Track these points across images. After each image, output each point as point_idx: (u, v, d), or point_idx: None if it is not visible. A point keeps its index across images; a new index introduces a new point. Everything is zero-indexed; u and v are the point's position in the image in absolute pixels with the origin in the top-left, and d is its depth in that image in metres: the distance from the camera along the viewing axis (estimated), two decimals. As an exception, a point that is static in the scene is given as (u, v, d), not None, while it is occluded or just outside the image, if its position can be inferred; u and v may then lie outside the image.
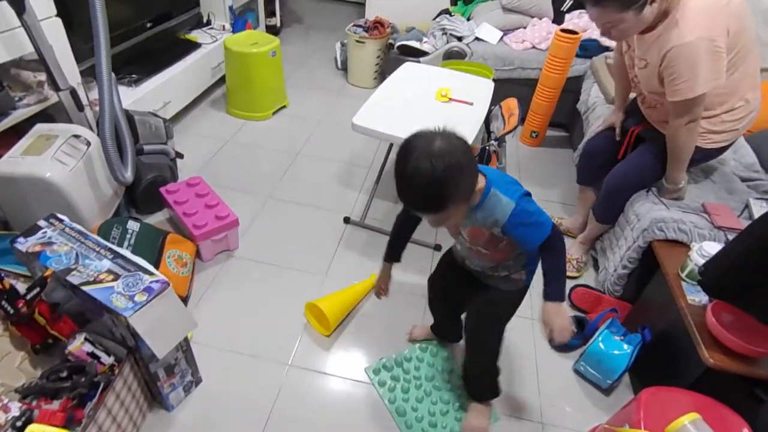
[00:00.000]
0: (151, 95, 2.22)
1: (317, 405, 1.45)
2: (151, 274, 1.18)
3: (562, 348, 1.68)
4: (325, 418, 1.42)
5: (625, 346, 1.51)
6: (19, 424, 1.02)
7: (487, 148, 1.91)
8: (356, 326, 1.71)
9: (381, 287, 1.44)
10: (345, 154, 2.59)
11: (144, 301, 1.12)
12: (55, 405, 1.11)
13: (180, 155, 2.13)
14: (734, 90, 1.53)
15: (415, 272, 1.92)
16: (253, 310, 1.70)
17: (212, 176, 2.13)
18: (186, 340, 1.33)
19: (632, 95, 1.86)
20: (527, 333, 1.74)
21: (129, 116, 1.85)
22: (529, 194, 1.09)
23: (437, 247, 2.04)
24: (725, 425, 1.10)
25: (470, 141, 1.73)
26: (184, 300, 1.65)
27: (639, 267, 1.67)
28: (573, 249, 2.02)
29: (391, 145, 2.23)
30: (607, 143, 1.91)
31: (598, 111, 2.33)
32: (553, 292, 1.12)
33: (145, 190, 1.92)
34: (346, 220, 2.13)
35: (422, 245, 2.05)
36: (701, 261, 1.37)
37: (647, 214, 1.63)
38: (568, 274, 1.95)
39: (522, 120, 2.82)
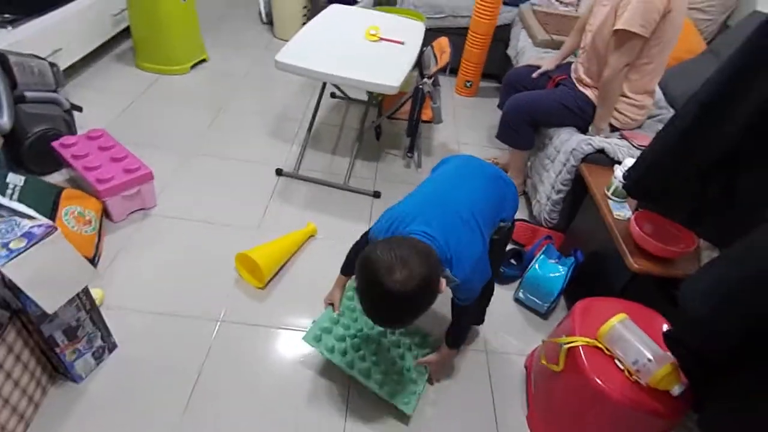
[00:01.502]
0: (35, 40, 1.89)
1: (254, 362, 1.32)
2: (31, 218, 0.98)
3: (503, 280, 1.66)
4: (263, 376, 1.29)
5: (560, 268, 1.52)
6: None
7: (421, 87, 1.82)
8: (293, 277, 1.57)
9: (333, 300, 1.39)
10: (274, 108, 2.39)
11: (22, 248, 0.92)
12: None
13: (77, 108, 1.85)
14: (647, 80, 1.67)
15: (352, 220, 1.82)
16: (176, 269, 1.52)
17: (121, 133, 1.86)
18: (90, 299, 1.14)
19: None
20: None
21: (1, 56, 1.54)
22: (483, 255, 1.10)
23: (376, 194, 1.94)
24: (650, 324, 1.14)
25: (400, 80, 1.65)
26: (91, 261, 1.43)
27: (570, 195, 1.70)
28: None
29: (321, 93, 2.08)
30: (528, 75, 1.97)
31: (528, 54, 2.32)
32: (455, 341, 1.29)
33: (33, 144, 1.63)
34: (279, 171, 1.97)
35: (361, 193, 1.95)
36: (617, 182, 1.45)
37: (571, 137, 1.69)
38: None
39: (455, 71, 2.77)
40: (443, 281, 0.99)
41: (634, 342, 1.06)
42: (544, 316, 1.58)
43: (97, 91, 2.27)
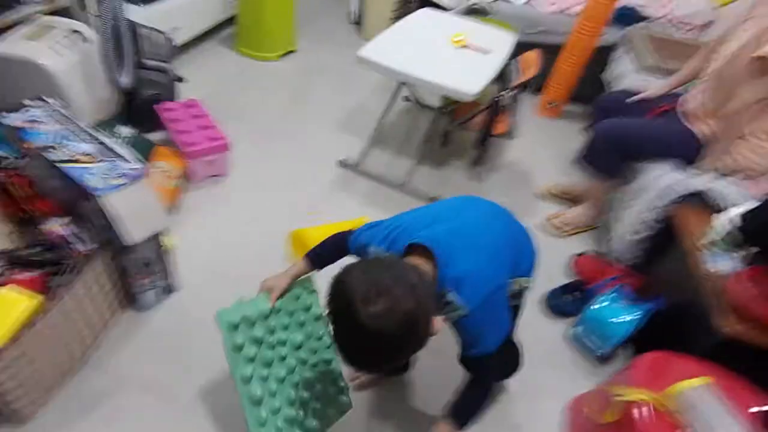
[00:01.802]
0: (160, 17, 2.24)
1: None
2: (129, 162, 1.22)
3: (556, 312, 1.67)
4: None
5: (633, 312, 1.46)
6: (-7, 281, 1.08)
7: (498, 99, 1.89)
8: (336, 264, 1.72)
9: (274, 288, 1.14)
10: (349, 103, 2.60)
11: (118, 185, 1.16)
12: (27, 277, 1.16)
13: (180, 79, 2.16)
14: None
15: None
16: (236, 235, 1.75)
17: (211, 106, 2.16)
18: (162, 243, 1.37)
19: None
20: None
21: (132, 25, 1.88)
22: (502, 287, 0.95)
23: (433, 200, 2.05)
24: (739, 398, 0.99)
25: (479, 89, 1.73)
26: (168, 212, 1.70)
27: (655, 235, 1.62)
28: (575, 209, 2.02)
29: (395, 94, 2.23)
30: (625, 100, 1.88)
31: (628, 79, 2.29)
32: (461, 416, 1.01)
33: (143, 105, 1.95)
34: (342, 163, 2.15)
35: (418, 197, 2.07)
36: (729, 227, 1.31)
37: (666, 174, 1.60)
38: (553, 230, 1.99)
39: (540, 89, 2.80)
40: (438, 320, 0.84)
41: (717, 414, 0.93)
42: (599, 360, 1.54)
43: (198, 68, 2.62)
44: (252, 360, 1.07)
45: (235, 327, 1.07)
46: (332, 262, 1.13)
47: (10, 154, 1.25)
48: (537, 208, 2.14)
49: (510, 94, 1.88)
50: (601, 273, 1.74)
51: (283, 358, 1.14)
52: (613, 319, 1.48)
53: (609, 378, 1.27)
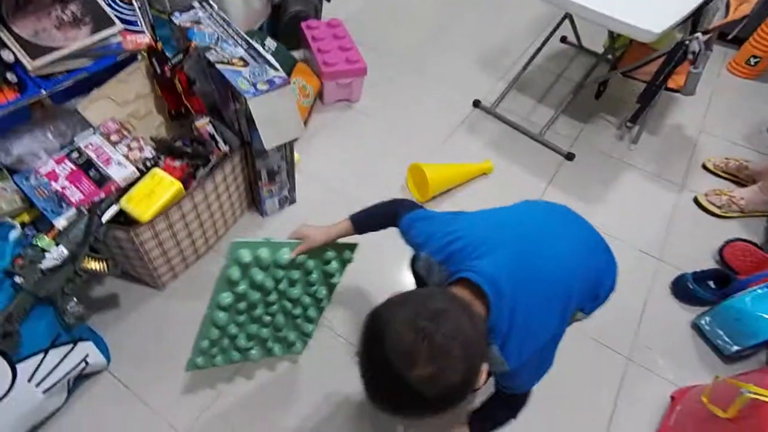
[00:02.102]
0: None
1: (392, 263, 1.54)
2: (276, 70, 1.32)
3: (686, 297, 1.54)
4: (387, 281, 1.52)
5: None
6: (148, 164, 1.29)
7: (688, 44, 1.62)
8: (452, 205, 1.74)
9: (311, 240, 1.09)
10: (494, 38, 2.48)
11: (264, 90, 1.27)
12: (176, 165, 1.37)
13: (327, -2, 2.25)
14: None
15: (532, 174, 1.87)
16: (358, 160, 1.84)
17: (354, 29, 2.22)
18: (292, 154, 1.50)
19: None
20: (647, 268, 1.63)
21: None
22: (556, 336, 0.86)
23: (570, 156, 1.92)
24: None
25: (663, 28, 1.51)
26: (299, 130, 1.84)
27: None
28: (744, 190, 1.80)
29: (553, 32, 2.06)
30: None
31: None
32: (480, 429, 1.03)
33: (289, 21, 2.08)
34: (476, 103, 2.09)
35: (553, 150, 1.95)
36: None
37: None
38: (712, 209, 1.80)
39: (740, 40, 2.36)
40: (484, 371, 0.73)
41: None
42: (726, 359, 1.42)
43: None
44: (238, 297, 1.08)
45: (241, 264, 1.04)
46: (375, 230, 1.09)
47: (173, 52, 1.44)
48: (694, 180, 1.92)
49: (704, 38, 1.59)
50: (756, 266, 1.56)
51: (270, 304, 1.16)
52: (761, 313, 1.32)
53: (737, 374, 1.20)
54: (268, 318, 1.19)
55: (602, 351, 1.42)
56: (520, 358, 0.79)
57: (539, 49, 2.11)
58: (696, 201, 1.82)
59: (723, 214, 1.77)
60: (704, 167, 1.96)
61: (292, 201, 1.67)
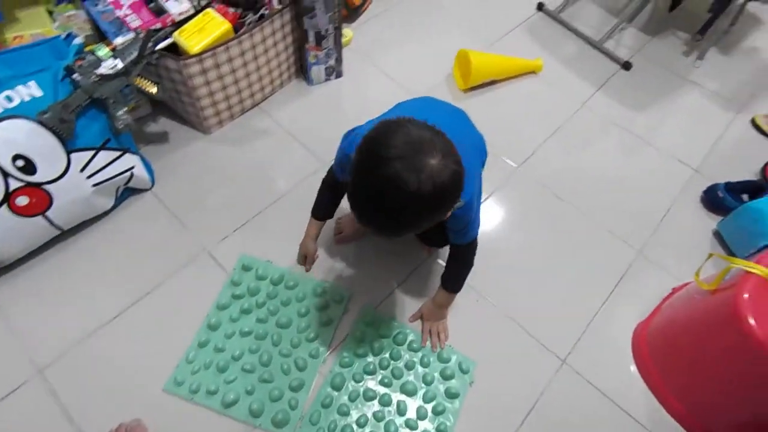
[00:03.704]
0: None
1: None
2: None
3: (715, 207, 1.40)
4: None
5: None
6: (203, 2, 1.28)
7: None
8: (493, 99, 1.63)
9: (308, 251, 1.16)
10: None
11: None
12: (227, 10, 1.34)
13: None
14: None
15: (583, 78, 1.70)
16: (411, 44, 1.75)
17: None
18: (340, 19, 1.43)
19: None
20: (681, 176, 1.49)
21: None
22: (479, 177, 1.00)
23: (626, 66, 1.72)
24: None
25: None
26: (356, 10, 1.76)
27: None
28: None
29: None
30: None
31: None
32: (456, 284, 1.09)
33: None
34: (540, 6, 1.90)
35: (611, 57, 1.76)
36: None
37: None
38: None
39: None
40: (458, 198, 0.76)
41: None
42: None
43: None
44: (237, 298, 1.16)
45: (246, 269, 1.20)
46: (333, 206, 1.12)
47: None
48: (758, 104, 1.70)
49: None
50: None
51: (263, 321, 1.14)
52: None
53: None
54: (257, 347, 1.11)
55: (614, 244, 1.34)
56: (469, 191, 0.84)
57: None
58: (753, 122, 1.62)
59: (776, 135, 1.57)
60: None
61: (339, 74, 1.62)
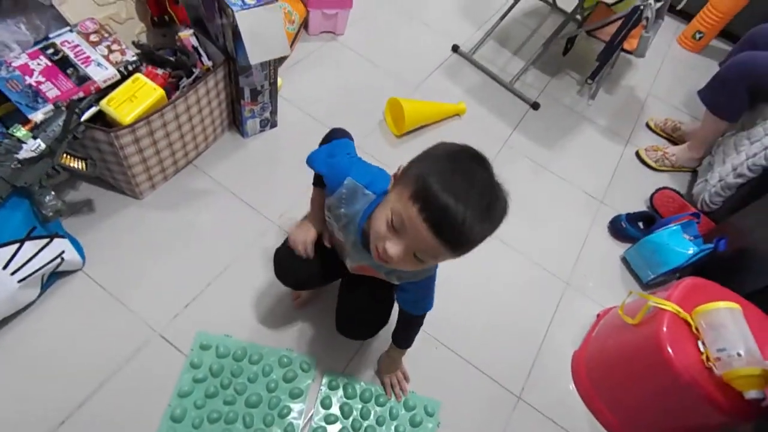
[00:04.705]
0: None
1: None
2: (264, -14, 1.21)
3: (619, 234, 1.63)
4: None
5: (691, 248, 1.43)
6: (130, 68, 1.18)
7: (642, 8, 1.65)
8: (425, 140, 1.69)
9: (306, 240, 1.01)
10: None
11: (252, 5, 1.17)
12: (158, 73, 1.26)
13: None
14: None
15: (500, 118, 1.86)
16: (339, 91, 1.76)
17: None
18: (275, 75, 1.41)
19: None
20: (591, 208, 1.70)
21: None
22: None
23: (535, 105, 1.92)
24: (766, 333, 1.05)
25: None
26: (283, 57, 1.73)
27: (748, 185, 1.51)
28: (675, 148, 1.90)
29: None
30: None
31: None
32: (407, 342, 1.11)
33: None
34: (455, 48, 2.03)
35: (521, 98, 1.94)
36: None
37: None
38: (649, 162, 1.90)
39: (690, 16, 2.40)
40: None
41: (732, 331, 1.00)
42: (645, 286, 1.53)
43: None
44: (199, 382, 1.09)
45: (205, 348, 1.14)
46: None
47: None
48: (638, 136, 2.01)
49: (656, 5, 1.63)
50: (677, 210, 1.68)
51: (230, 404, 1.09)
52: (672, 246, 1.44)
53: (646, 292, 1.29)
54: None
55: (542, 275, 1.49)
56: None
57: (514, 4, 2.06)
58: (637, 154, 1.90)
59: (657, 167, 1.87)
60: (647, 125, 2.04)
61: (274, 124, 1.58)
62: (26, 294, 1.08)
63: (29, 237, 1.01)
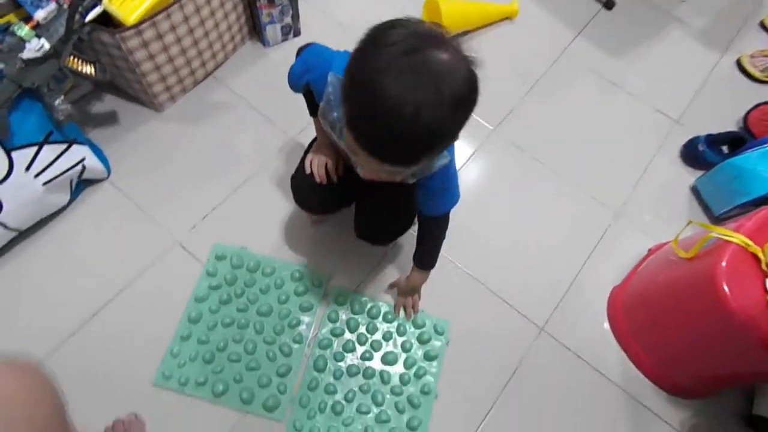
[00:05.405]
0: None
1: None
2: None
3: (694, 161, 1.36)
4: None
5: None
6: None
7: None
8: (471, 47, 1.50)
9: (323, 158, 0.96)
10: None
11: None
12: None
13: None
14: None
15: (562, 19, 1.58)
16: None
17: None
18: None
19: None
20: (660, 128, 1.43)
21: None
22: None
23: (608, 4, 1.60)
24: None
25: None
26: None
27: None
28: None
29: None
30: None
31: None
32: (430, 262, 1.03)
33: None
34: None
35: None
36: None
37: None
38: (753, 71, 1.53)
39: None
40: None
41: None
42: (716, 220, 1.29)
43: None
44: (214, 289, 1.11)
45: (220, 259, 1.15)
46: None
47: None
48: (744, 40, 1.62)
49: None
50: None
51: (242, 311, 1.11)
52: (759, 171, 1.16)
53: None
54: (240, 336, 1.08)
55: (588, 205, 1.30)
56: (451, 150, 0.79)
57: None
58: (738, 62, 1.54)
59: (764, 77, 1.50)
60: (761, 25, 1.63)
61: (297, 32, 1.46)
62: (56, 198, 1.13)
63: (47, 141, 1.03)
